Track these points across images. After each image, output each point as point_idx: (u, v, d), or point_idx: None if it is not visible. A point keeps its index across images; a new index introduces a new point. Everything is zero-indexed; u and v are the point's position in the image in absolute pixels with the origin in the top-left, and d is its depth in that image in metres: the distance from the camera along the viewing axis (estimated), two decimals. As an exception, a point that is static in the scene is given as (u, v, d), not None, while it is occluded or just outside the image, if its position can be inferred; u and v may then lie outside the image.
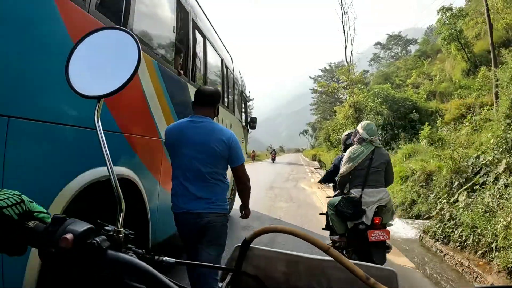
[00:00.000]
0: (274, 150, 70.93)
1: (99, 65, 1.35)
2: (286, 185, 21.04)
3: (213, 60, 8.00)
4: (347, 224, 5.65)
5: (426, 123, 18.67)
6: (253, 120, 13.10)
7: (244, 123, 12.44)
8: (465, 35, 25.05)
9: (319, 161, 12.90)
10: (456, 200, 9.24)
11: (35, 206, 1.02)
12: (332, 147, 34.33)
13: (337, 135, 29.61)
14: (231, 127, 8.76)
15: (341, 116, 31.27)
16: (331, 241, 6.28)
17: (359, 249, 5.53)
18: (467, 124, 16.41)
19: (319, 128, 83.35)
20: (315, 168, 37.89)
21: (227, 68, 9.55)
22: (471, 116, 16.87)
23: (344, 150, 6.66)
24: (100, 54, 1.36)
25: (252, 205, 4.34)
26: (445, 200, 9.72)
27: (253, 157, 57.96)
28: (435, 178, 11.59)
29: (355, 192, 5.51)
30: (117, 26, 1.56)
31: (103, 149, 1.15)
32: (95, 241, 0.90)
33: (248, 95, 14.03)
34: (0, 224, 0.92)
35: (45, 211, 1.03)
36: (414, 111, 22.60)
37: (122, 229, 0.99)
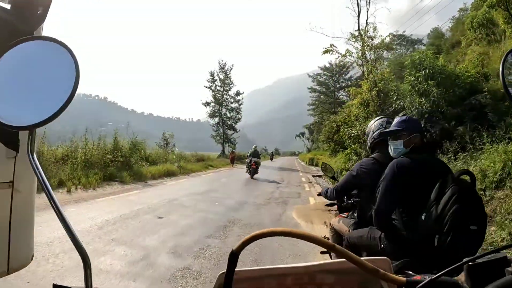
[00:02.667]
0: (272, 153, 69.86)
1: (26, 86, 1.10)
2: (263, 216, 11.65)
3: None
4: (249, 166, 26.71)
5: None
6: None
7: None
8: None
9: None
10: None
11: None
12: (341, 149, 25.23)
13: (350, 130, 19.84)
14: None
15: (356, 102, 21.71)
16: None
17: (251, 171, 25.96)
18: None
19: (317, 128, 77.89)
20: (313, 176, 28.76)
21: None
22: None
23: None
24: (25, 73, 1.12)
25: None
26: None
27: (232, 160, 46.97)
28: None
29: (249, 158, 27.13)
30: (47, 36, 1.18)
31: (47, 193, 0.95)
32: None
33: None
34: None
35: None
36: (485, 92, 13.85)
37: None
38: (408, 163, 3.06)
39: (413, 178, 2.97)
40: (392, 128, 3.45)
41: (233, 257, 0.94)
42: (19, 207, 3.18)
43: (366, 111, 20.10)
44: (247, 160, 27.14)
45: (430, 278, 0.85)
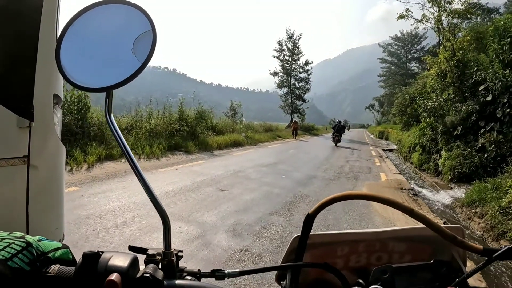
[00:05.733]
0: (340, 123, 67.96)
1: (102, 49, 1.10)
2: (332, 192, 10.74)
3: None
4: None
5: None
6: None
7: None
8: None
9: None
10: None
11: (47, 244, 0.82)
12: (415, 122, 24.21)
13: (426, 102, 18.74)
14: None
15: (433, 72, 20.32)
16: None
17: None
18: None
19: (388, 101, 76.48)
20: (383, 150, 27.93)
21: None
22: None
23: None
24: (100, 36, 1.12)
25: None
26: None
27: (295, 131, 42.97)
28: None
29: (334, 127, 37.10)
30: (124, 0, 1.13)
31: (126, 154, 0.97)
32: (148, 274, 0.75)
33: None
34: (10, 282, 0.70)
35: (60, 245, 0.84)
36: None
37: (173, 249, 0.89)
38: (335, 123, 35.18)
39: (335, 126, 34.11)
40: (339, 121, 36.26)
41: (309, 220, 0.94)
42: (38, 185, 2.71)
43: (443, 82, 18.78)
44: (332, 129, 37.22)
45: (507, 247, 0.83)
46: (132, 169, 0.94)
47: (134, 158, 0.95)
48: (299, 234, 0.95)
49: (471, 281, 0.96)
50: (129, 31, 1.07)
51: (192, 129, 21.59)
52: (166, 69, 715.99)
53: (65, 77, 1.02)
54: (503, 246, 0.83)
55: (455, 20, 20.24)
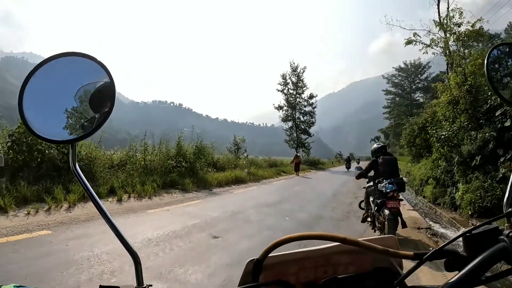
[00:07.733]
0: (348, 158, 64.48)
1: (62, 101, 1.10)
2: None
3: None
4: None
5: None
6: None
7: None
8: None
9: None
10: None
11: None
12: (426, 153, 23.08)
13: (439, 131, 17.67)
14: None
15: (444, 100, 19.02)
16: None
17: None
18: None
19: (393, 132, 76.54)
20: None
21: None
22: None
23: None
24: (61, 87, 1.12)
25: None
26: None
27: (297, 166, 39.78)
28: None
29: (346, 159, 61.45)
30: (80, 52, 1.17)
31: (93, 201, 1.01)
32: None
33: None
34: None
35: None
36: None
37: (145, 285, 0.98)
38: (347, 157, 66.46)
39: (347, 159, 59.34)
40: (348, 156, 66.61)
41: (258, 264, 0.97)
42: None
43: (455, 109, 17.74)
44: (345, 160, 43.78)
45: (434, 249, 0.91)
46: (99, 212, 0.98)
47: (101, 203, 0.98)
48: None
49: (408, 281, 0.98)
50: (88, 83, 1.07)
51: (190, 165, 20.74)
52: (172, 104, 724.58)
53: (29, 129, 1.02)
54: (431, 249, 0.91)
55: (466, 41, 19.45)
